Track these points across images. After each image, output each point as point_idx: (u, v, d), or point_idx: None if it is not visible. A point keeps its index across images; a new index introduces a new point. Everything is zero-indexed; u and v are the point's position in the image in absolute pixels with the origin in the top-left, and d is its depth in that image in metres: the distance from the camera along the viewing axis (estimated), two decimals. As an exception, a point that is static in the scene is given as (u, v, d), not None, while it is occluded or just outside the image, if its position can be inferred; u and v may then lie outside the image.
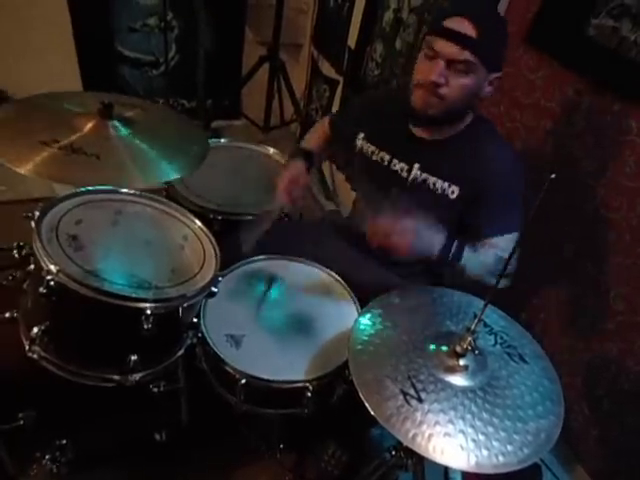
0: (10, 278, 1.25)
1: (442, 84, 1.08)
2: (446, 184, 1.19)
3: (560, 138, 1.46)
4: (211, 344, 1.10)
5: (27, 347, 0.95)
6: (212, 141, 1.70)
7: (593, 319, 1.44)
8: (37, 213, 1.00)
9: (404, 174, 1.25)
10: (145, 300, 0.92)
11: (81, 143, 1.09)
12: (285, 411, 1.12)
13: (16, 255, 1.02)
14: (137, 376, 0.99)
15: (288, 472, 1.40)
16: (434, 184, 1.21)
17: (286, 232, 1.48)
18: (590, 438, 1.50)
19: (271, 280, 1.29)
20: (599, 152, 1.37)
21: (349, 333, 1.15)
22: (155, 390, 1.18)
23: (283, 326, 1.19)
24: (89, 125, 1.15)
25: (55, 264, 0.89)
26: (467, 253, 1.16)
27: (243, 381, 1.06)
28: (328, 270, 1.34)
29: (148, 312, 0.89)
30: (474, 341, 0.87)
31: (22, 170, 0.98)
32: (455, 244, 1.15)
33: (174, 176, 1.15)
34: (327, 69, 2.64)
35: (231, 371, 1.07)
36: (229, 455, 1.38)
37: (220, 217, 1.42)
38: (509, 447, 0.80)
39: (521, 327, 1.03)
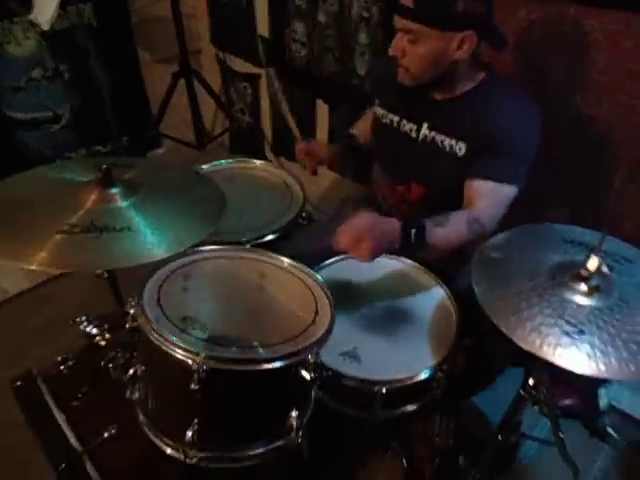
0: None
1: (401, 57, 1.13)
2: (454, 141, 1.20)
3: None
4: (335, 369, 1.02)
5: (182, 456, 0.82)
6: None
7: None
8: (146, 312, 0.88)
9: (413, 134, 1.27)
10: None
11: (91, 219, 0.98)
12: (421, 403, 1.10)
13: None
14: (300, 432, 0.91)
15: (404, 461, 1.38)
16: (442, 142, 1.22)
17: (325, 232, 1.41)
18: None
19: (349, 283, 1.24)
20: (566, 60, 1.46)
21: (448, 307, 1.17)
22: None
23: (386, 324, 1.15)
24: (92, 197, 1.03)
25: (197, 353, 0.78)
26: (435, 229, 1.08)
27: (383, 390, 1.01)
28: (397, 257, 1.29)
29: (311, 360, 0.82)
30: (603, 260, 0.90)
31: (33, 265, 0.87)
32: (414, 231, 1.06)
33: (206, 232, 1.06)
34: (241, 66, 2.53)
35: (366, 386, 1.02)
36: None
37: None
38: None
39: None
